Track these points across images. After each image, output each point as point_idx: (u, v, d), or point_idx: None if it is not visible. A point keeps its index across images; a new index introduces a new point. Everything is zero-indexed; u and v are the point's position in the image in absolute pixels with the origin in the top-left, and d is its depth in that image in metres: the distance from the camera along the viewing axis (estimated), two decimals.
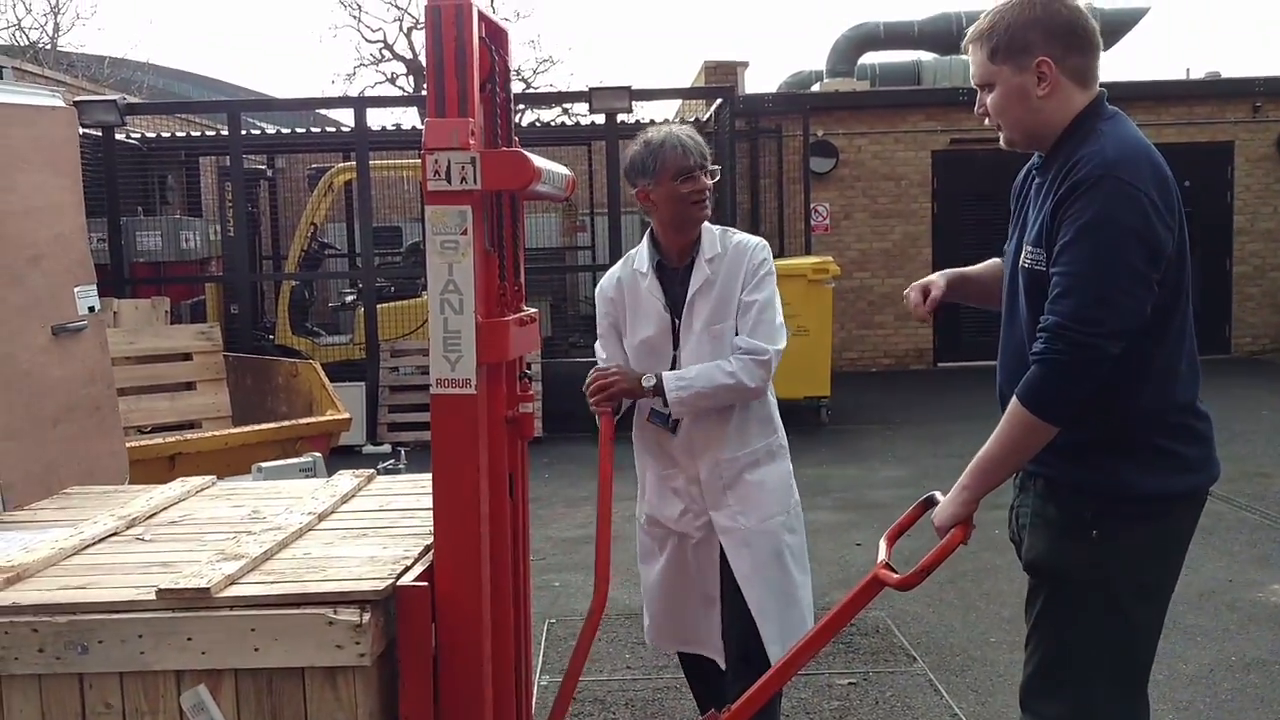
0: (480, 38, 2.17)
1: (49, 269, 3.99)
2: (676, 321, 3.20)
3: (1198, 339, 2.43)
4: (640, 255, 3.28)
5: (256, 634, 2.04)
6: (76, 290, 4.14)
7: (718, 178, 3.22)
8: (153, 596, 2.08)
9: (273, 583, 2.14)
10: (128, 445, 4.52)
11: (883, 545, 2.64)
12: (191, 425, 6.32)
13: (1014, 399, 2.27)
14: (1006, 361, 2.47)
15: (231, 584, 2.13)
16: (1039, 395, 2.22)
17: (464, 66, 2.08)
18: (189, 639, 2.05)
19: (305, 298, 11.27)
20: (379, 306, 10.11)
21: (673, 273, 3.23)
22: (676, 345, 3.20)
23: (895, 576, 2.47)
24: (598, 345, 3.38)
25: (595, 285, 11.46)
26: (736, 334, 3.16)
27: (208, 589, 2.06)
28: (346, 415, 6.01)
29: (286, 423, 5.78)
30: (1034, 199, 2.41)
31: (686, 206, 3.12)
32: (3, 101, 3.92)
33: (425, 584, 2.11)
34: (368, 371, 9.76)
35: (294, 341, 10.41)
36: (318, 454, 5.19)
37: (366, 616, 2.03)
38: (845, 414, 10.18)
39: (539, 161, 2.20)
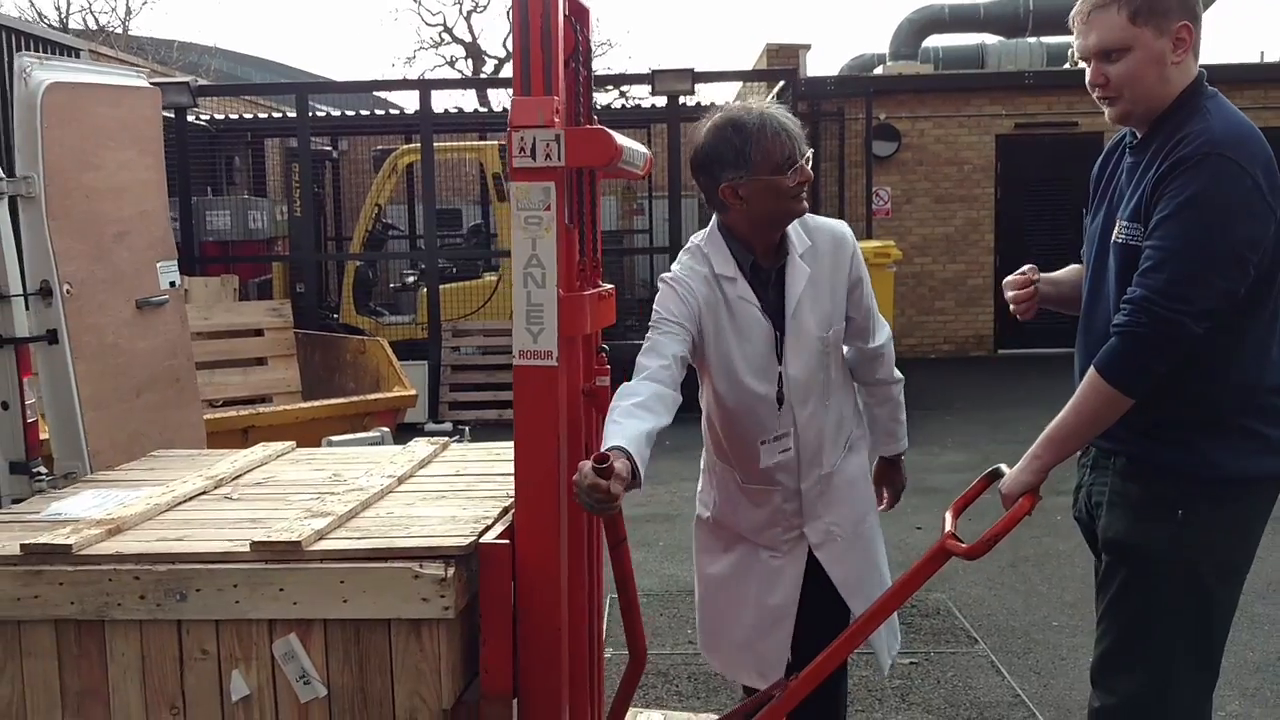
0: (564, 15, 2.22)
1: (134, 245, 4.11)
2: (778, 332, 2.72)
3: None
4: (717, 254, 2.72)
5: (345, 586, 2.12)
6: (159, 266, 4.27)
7: (812, 162, 2.68)
8: (247, 549, 2.17)
9: (360, 538, 2.22)
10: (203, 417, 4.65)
11: (948, 517, 2.66)
12: (263, 399, 6.48)
13: (1091, 369, 2.27)
14: (1089, 341, 2.45)
15: (320, 539, 2.21)
16: (1117, 367, 2.23)
17: (549, 44, 2.13)
18: (281, 589, 2.14)
19: (370, 278, 11.45)
20: (441, 287, 10.24)
21: (763, 274, 2.74)
22: (780, 360, 2.73)
23: (962, 546, 2.49)
24: (649, 352, 2.58)
25: (652, 268, 11.18)
26: (850, 337, 2.88)
27: (299, 542, 2.15)
28: (413, 392, 6.12)
29: (356, 398, 5.91)
30: (1127, 176, 2.38)
31: (787, 202, 2.62)
32: (91, 82, 4.05)
33: (506, 542, 2.19)
34: (430, 351, 9.91)
35: (358, 321, 10.58)
36: (386, 429, 5.31)
37: (451, 571, 2.10)
38: (905, 400, 10.11)
39: (620, 139, 2.25)
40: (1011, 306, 2.64)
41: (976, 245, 13.40)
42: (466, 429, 7.94)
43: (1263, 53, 17.37)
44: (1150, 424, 2.30)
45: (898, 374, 2.98)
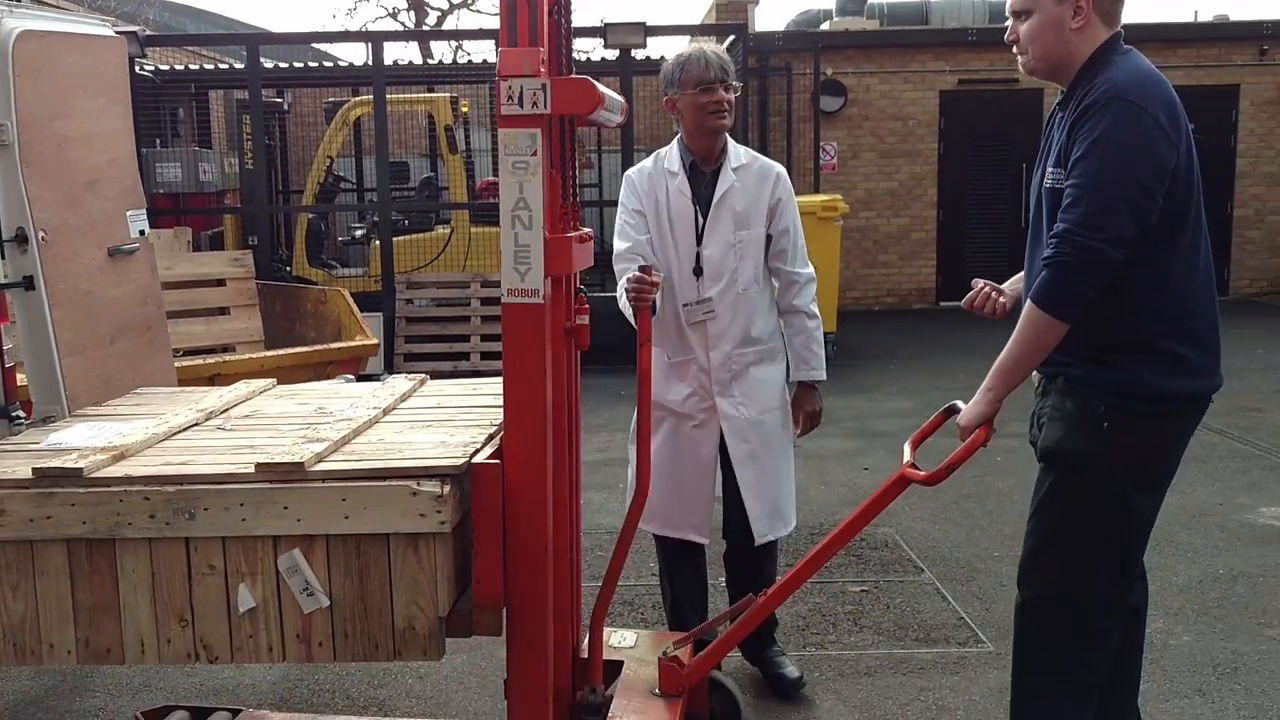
0: None
1: (105, 193, 4.17)
2: (701, 220, 3.51)
3: None
4: (671, 155, 3.58)
5: (347, 503, 2.27)
6: (129, 214, 4.32)
7: (738, 93, 3.54)
8: (252, 470, 2.32)
9: (358, 460, 2.38)
10: None
11: (907, 448, 2.87)
12: (226, 349, 6.54)
13: (1028, 301, 2.50)
14: (1031, 280, 2.65)
15: (320, 461, 2.36)
16: (1048, 295, 2.46)
17: None
18: (285, 508, 2.28)
19: (321, 230, 11.44)
20: (394, 240, 10.27)
21: (700, 175, 3.55)
22: (700, 242, 3.51)
23: (921, 474, 2.70)
24: (617, 235, 3.56)
25: (601, 222, 11.76)
26: (771, 259, 3.59)
27: (301, 463, 2.30)
28: (375, 340, 6.23)
29: (320, 346, 6.00)
30: (1056, 129, 2.63)
31: (705, 116, 3.45)
32: (60, 30, 4.09)
33: (497, 462, 2.35)
34: (384, 303, 9.96)
35: (311, 273, 10.58)
36: (350, 376, 5.41)
37: (447, 488, 2.27)
38: (851, 350, 10.41)
39: (601, 88, 2.39)
40: (982, 313, 2.86)
41: (920, 200, 13.68)
42: (426, 379, 8.08)
43: (1196, 12, 17.78)
44: (1087, 347, 2.54)
45: (815, 310, 3.68)
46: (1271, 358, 9.82)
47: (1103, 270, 2.42)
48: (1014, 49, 2.67)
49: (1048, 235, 2.52)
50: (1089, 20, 2.55)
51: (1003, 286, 2.89)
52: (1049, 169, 2.58)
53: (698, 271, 3.52)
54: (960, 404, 2.74)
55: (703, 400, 3.56)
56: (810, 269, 3.68)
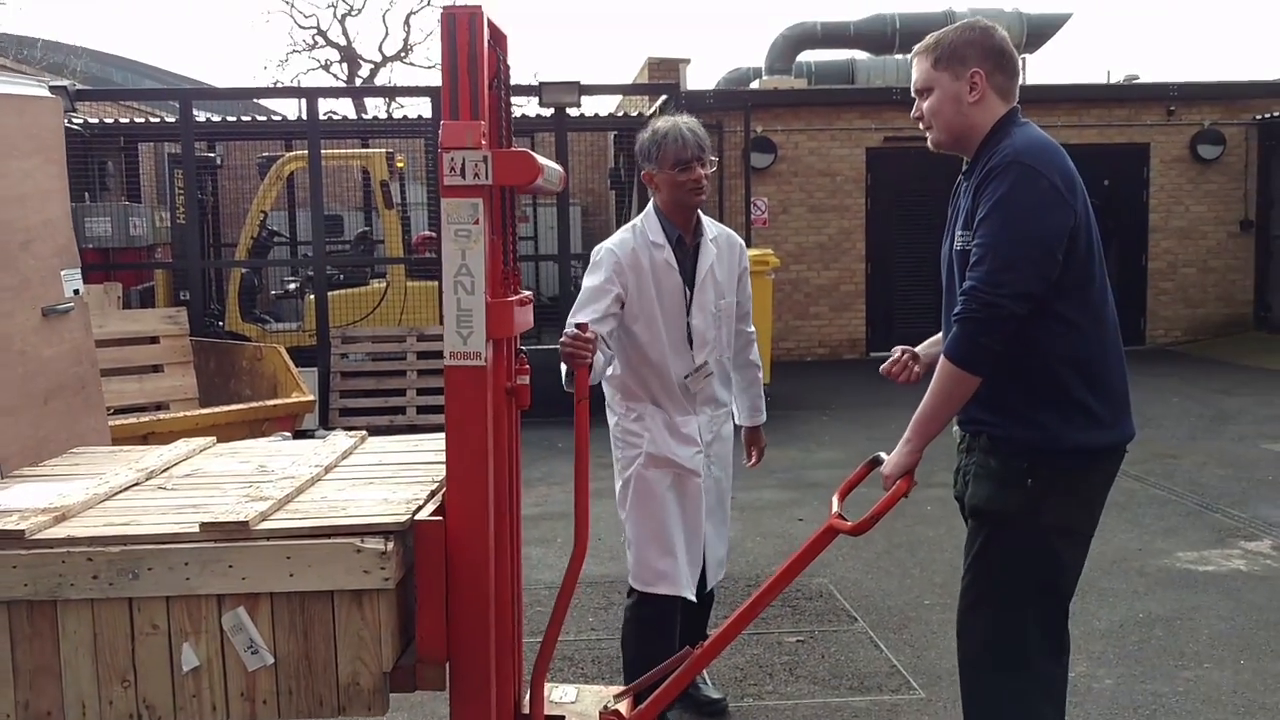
0: (488, 42, 2.45)
1: (39, 252, 4.16)
2: (689, 292, 3.60)
3: None
4: (651, 227, 3.58)
5: (291, 561, 2.31)
6: (63, 273, 4.32)
7: (714, 168, 3.63)
8: (196, 530, 2.34)
9: (301, 518, 2.42)
10: None
11: (834, 500, 2.96)
12: (159, 407, 6.48)
13: (941, 357, 2.63)
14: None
15: (265, 520, 2.40)
16: (958, 349, 2.60)
17: (476, 71, 2.36)
18: (230, 566, 2.32)
19: (255, 285, 11.40)
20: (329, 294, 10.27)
21: (684, 247, 3.62)
22: (689, 313, 3.60)
23: (848, 524, 2.79)
24: (583, 303, 3.46)
25: (537, 276, 11.95)
26: (738, 320, 3.82)
27: (246, 523, 2.34)
28: (311, 397, 6.22)
29: (255, 404, 5.98)
30: (963, 196, 2.79)
31: (683, 193, 3.53)
32: None
33: (440, 519, 2.41)
34: (319, 358, 9.92)
35: (244, 328, 10.53)
36: (287, 434, 5.42)
37: (390, 545, 2.32)
38: (784, 400, 10.57)
39: (540, 159, 2.49)
40: (898, 380, 3.00)
41: (848, 253, 13.98)
42: (366, 435, 8.05)
43: (1109, 73, 18.50)
44: (1007, 404, 2.67)
45: (760, 361, 3.99)
46: (1186, 405, 10.17)
47: (1007, 324, 2.56)
48: (920, 125, 2.86)
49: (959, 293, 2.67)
50: (984, 95, 2.73)
51: (918, 349, 3.02)
52: (958, 232, 2.74)
53: (689, 341, 3.60)
54: (884, 455, 2.85)
55: (704, 457, 3.67)
56: (754, 325, 3.96)
